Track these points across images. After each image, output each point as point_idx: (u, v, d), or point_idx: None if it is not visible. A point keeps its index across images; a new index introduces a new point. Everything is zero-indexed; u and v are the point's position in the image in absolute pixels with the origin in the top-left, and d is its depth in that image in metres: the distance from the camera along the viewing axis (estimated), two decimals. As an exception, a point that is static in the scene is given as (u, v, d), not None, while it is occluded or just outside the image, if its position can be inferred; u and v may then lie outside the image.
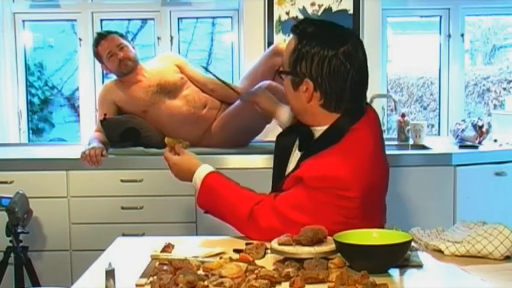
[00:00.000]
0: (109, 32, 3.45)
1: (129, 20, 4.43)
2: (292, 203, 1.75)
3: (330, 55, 1.73)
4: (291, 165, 1.89)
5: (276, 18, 3.77)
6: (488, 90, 4.92)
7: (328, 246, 1.53)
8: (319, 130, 1.81)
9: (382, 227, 1.84)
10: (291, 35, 1.82)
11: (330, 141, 1.76)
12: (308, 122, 1.84)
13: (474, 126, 3.55)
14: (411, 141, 3.63)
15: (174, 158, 1.94)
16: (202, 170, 1.89)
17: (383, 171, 1.83)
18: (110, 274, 1.32)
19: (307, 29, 1.78)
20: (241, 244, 1.71)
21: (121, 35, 3.45)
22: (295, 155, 1.89)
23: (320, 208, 1.70)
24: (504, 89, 4.84)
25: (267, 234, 1.68)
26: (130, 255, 1.70)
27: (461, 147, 3.48)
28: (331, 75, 1.74)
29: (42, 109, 4.69)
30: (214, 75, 2.91)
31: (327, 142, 1.76)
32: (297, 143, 1.92)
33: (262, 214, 1.77)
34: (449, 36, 4.08)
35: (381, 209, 1.86)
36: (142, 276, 1.47)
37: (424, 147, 3.52)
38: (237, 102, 3.34)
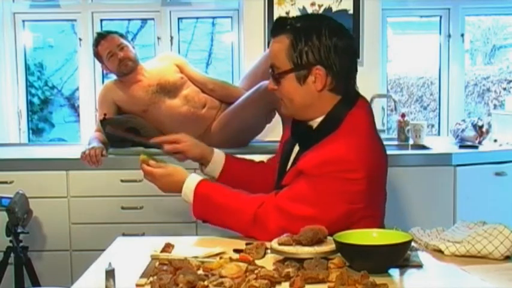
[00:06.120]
0: (109, 32, 3.45)
1: (129, 20, 4.43)
2: (294, 197, 1.74)
3: (332, 38, 1.78)
4: (291, 162, 1.89)
5: (276, 18, 3.75)
6: (488, 90, 4.93)
7: (328, 246, 1.53)
8: (317, 122, 1.82)
9: (383, 218, 1.85)
10: (278, 37, 1.83)
11: (328, 130, 1.77)
12: (309, 115, 1.83)
13: (474, 126, 3.55)
14: (411, 141, 3.62)
15: (159, 170, 1.93)
16: (192, 180, 1.88)
17: (382, 154, 1.84)
18: (110, 274, 1.32)
19: (296, 24, 1.81)
20: (241, 244, 1.71)
21: (121, 35, 3.45)
22: (295, 152, 1.89)
23: (324, 197, 1.70)
24: (504, 89, 4.84)
25: (277, 235, 1.65)
26: (131, 255, 1.70)
27: (461, 147, 3.48)
28: (338, 55, 1.78)
29: (42, 109, 4.69)
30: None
31: (325, 131, 1.78)
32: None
33: (268, 216, 1.76)
34: (449, 36, 4.07)
35: (383, 197, 1.86)
36: (142, 276, 1.47)
37: (424, 147, 3.51)
38: (235, 103, 3.34)
